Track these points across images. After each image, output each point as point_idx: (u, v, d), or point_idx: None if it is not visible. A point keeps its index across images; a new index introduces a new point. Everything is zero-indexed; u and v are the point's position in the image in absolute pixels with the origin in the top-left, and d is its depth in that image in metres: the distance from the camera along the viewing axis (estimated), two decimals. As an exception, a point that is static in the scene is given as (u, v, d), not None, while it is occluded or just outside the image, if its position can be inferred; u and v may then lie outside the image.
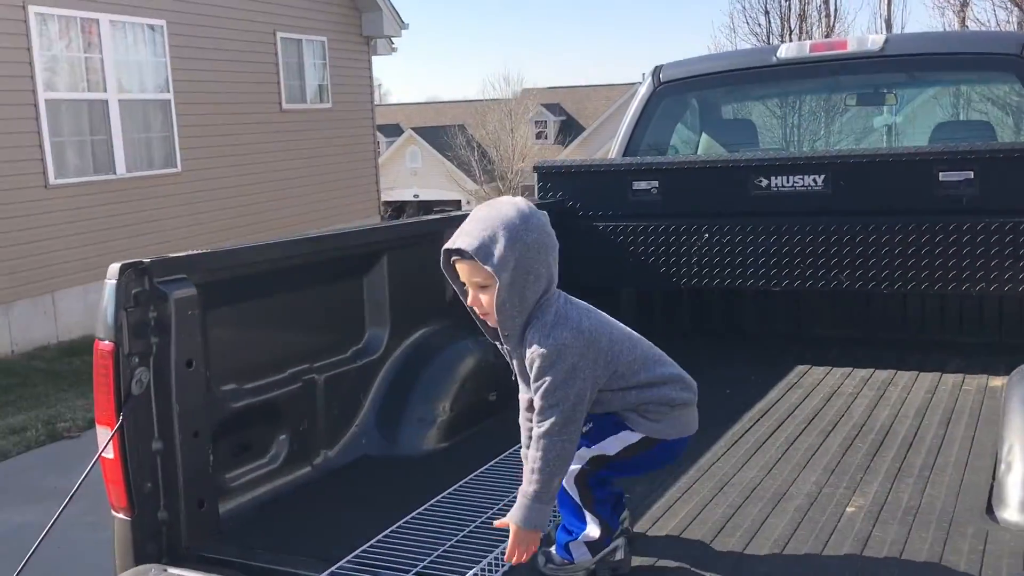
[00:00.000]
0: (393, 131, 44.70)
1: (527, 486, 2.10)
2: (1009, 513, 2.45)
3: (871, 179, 3.89)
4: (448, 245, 2.17)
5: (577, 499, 2.21)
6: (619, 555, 2.24)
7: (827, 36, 21.45)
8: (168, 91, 12.08)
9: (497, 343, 2.26)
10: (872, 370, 3.91)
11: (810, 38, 22.06)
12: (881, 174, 3.88)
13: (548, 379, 2.07)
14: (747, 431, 3.24)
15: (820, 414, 3.40)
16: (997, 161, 3.72)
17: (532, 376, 2.11)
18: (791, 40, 21.17)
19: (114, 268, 2.40)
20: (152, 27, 11.82)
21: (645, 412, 2.19)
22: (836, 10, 22.16)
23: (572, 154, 38.13)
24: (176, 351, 2.46)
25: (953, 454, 2.92)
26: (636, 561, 2.28)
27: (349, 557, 2.34)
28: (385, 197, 21.71)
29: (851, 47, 4.73)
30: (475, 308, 2.18)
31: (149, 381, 2.44)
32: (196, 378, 2.52)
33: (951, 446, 3.00)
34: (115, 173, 11.35)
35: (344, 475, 3.07)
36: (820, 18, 22.24)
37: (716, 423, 3.27)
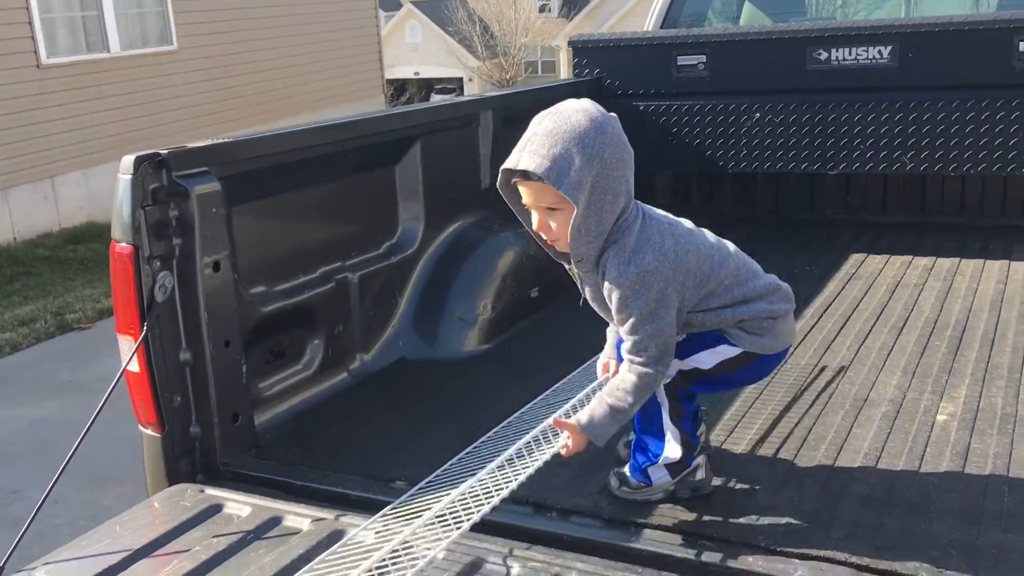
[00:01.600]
0: (392, 5, 43.19)
1: (608, 397, 1.90)
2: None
3: (943, 50, 3.57)
4: (510, 165, 1.84)
5: (664, 413, 2.00)
6: (700, 475, 2.04)
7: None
8: (160, -35, 11.45)
9: (565, 264, 2.00)
10: (934, 258, 3.67)
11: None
12: (954, 45, 3.55)
13: (635, 311, 1.83)
14: (811, 329, 3.02)
15: (887, 308, 3.17)
16: (1085, 30, 3.39)
17: (614, 307, 1.86)
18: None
19: (128, 161, 2.13)
20: None
21: (745, 327, 1.95)
22: None
23: (578, 28, 36.88)
24: (201, 252, 2.21)
25: (1052, 350, 2.70)
26: (716, 480, 2.09)
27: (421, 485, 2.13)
28: (386, 75, 21.03)
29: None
30: (542, 234, 1.89)
31: (174, 286, 2.20)
32: (224, 281, 2.28)
33: (1037, 344, 2.78)
34: (108, 51, 10.85)
35: (382, 380, 2.86)
36: None
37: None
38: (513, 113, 3.42)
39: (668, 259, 1.84)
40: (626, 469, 2.08)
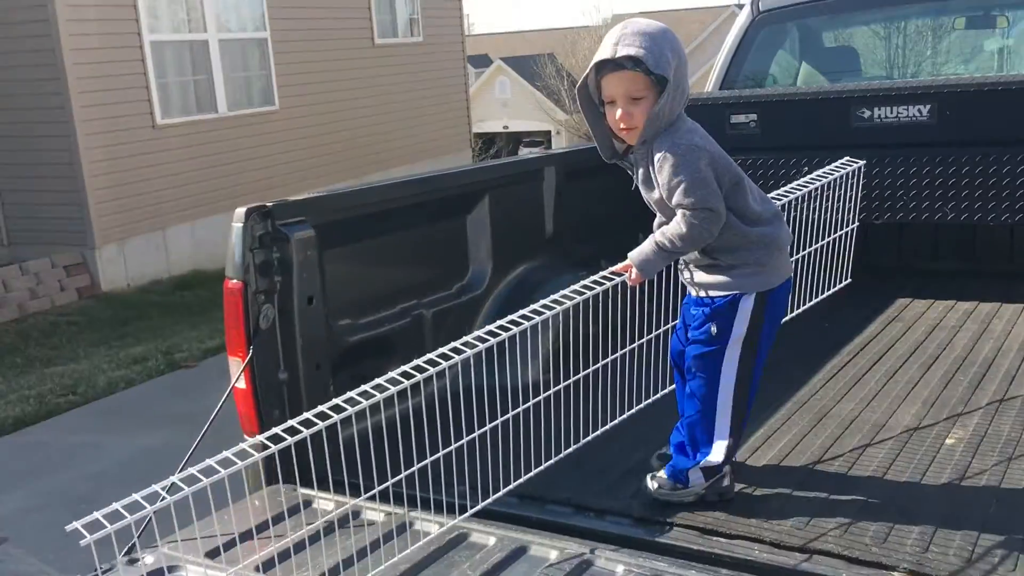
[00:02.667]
0: (481, 62, 44.44)
1: (657, 236, 2.25)
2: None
3: (979, 108, 3.80)
4: (606, 55, 2.22)
5: (728, 411, 2.33)
6: (726, 482, 2.34)
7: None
8: (265, 29, 12.32)
9: (616, 161, 2.41)
10: (976, 303, 3.87)
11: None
12: (990, 103, 3.78)
13: (686, 177, 2.18)
14: (845, 364, 3.27)
15: (921, 347, 3.40)
16: (1115, 87, 3.59)
17: (665, 178, 2.21)
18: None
19: (240, 212, 2.56)
20: (248, -34, 12.02)
21: (754, 258, 2.28)
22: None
23: (663, 81, 37.23)
24: (298, 288, 2.62)
25: (1059, 387, 2.91)
26: (738, 487, 2.38)
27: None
28: (475, 129, 21.77)
29: (960, -32, 4.56)
30: (623, 122, 2.25)
31: (275, 317, 2.61)
32: (316, 313, 2.69)
33: (1056, 380, 2.98)
34: (217, 112, 11.69)
35: (452, 405, 3.22)
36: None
37: (814, 356, 3.32)
38: (572, 169, 3.79)
39: (710, 143, 2.24)
40: (662, 473, 2.39)
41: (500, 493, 2.37)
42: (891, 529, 2.12)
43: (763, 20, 4.96)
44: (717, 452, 2.34)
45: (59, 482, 5.35)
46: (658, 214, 2.38)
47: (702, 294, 2.34)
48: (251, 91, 12.30)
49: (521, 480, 2.41)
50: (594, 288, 2.38)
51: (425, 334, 3.21)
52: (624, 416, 2.72)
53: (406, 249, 3.19)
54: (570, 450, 2.59)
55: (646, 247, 2.28)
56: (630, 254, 2.30)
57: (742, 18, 5.04)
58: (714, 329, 2.32)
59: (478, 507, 2.32)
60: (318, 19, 13.12)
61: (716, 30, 34.75)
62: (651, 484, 2.39)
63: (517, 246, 3.59)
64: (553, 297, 2.41)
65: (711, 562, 2.07)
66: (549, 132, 40.24)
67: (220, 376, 7.20)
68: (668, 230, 2.24)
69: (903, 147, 3.95)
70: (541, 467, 2.48)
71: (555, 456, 2.55)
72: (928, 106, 3.88)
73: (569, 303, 2.37)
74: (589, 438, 2.64)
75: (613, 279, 2.38)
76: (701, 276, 2.34)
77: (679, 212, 2.22)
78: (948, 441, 2.59)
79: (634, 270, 2.30)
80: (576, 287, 2.41)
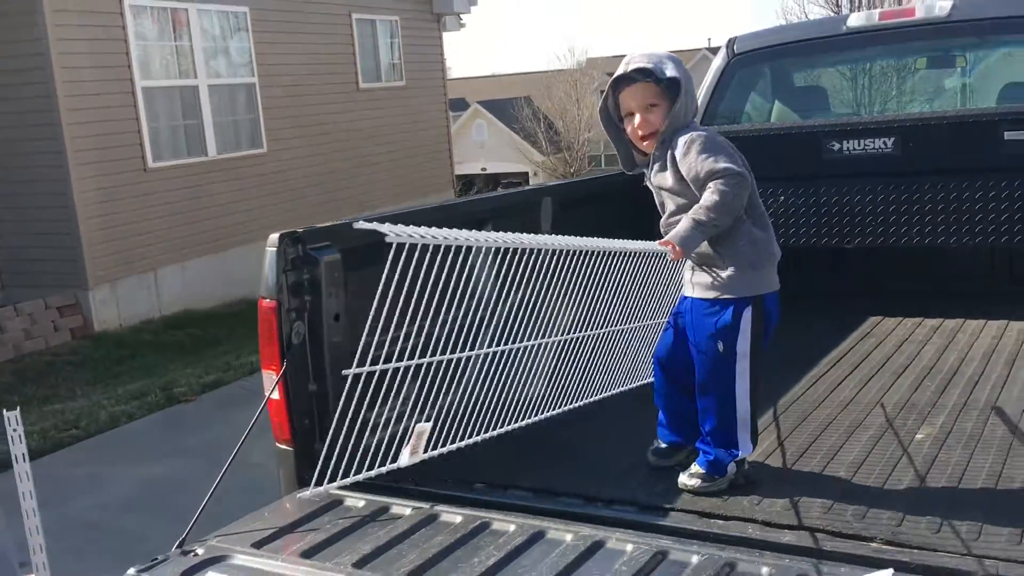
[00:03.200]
0: (459, 105, 44.99)
1: (695, 215, 2.48)
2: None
3: (939, 140, 4.14)
4: (621, 73, 2.62)
5: (748, 416, 2.61)
6: (746, 465, 2.66)
7: (898, 3, 21.10)
8: (252, 75, 12.63)
9: (636, 171, 2.77)
10: (942, 320, 4.18)
11: (881, 2, 21.72)
12: (949, 135, 4.12)
13: (711, 153, 2.49)
14: (823, 374, 3.56)
15: (891, 359, 3.70)
16: (1061, 119, 3.94)
17: (692, 157, 2.50)
18: (861, 5, 20.91)
19: (274, 238, 2.82)
20: (236, 14, 12.35)
21: (747, 259, 2.57)
22: (908, -32, 21.72)
23: (638, 122, 37.93)
24: (326, 307, 2.88)
25: (1016, 391, 3.20)
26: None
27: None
28: (455, 171, 22.13)
29: (919, 14, 4.92)
30: (640, 130, 2.62)
31: (305, 333, 2.86)
32: (343, 329, 2.94)
33: (1014, 384, 3.28)
34: (207, 155, 11.95)
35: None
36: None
37: (795, 369, 3.60)
38: (568, 200, 4.08)
39: (728, 141, 2.59)
40: (696, 467, 2.63)
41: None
42: (868, 508, 2.39)
43: (738, 62, 5.30)
44: (745, 446, 2.64)
45: (69, 511, 5.51)
46: (668, 211, 2.69)
47: (700, 295, 2.62)
48: (239, 134, 12.58)
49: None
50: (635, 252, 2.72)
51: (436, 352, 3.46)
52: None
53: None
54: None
55: (683, 225, 2.49)
56: (670, 235, 2.53)
57: (718, 60, 5.38)
58: (721, 347, 2.59)
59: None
60: (304, 64, 13.46)
61: (691, 69, 35.40)
62: (689, 482, 2.62)
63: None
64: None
65: (710, 540, 2.33)
66: (527, 173, 40.73)
67: (219, 409, 7.43)
68: (702, 204, 2.48)
69: (870, 176, 4.28)
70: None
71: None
72: (892, 139, 4.22)
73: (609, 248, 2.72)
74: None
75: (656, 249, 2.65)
76: (700, 276, 2.62)
77: (712, 183, 2.47)
78: (917, 436, 2.87)
79: (676, 246, 2.49)
80: (621, 244, 2.74)
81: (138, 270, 10.99)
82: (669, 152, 2.59)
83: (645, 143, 2.64)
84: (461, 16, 17.62)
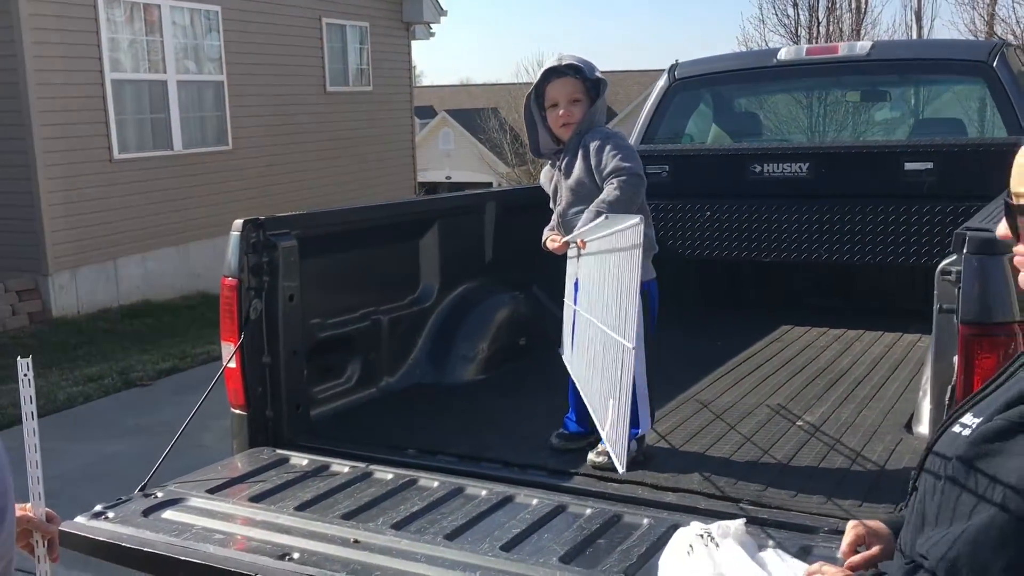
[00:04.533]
0: (427, 113, 45.31)
1: (597, 207, 2.82)
2: (922, 427, 3.15)
3: (847, 167, 4.58)
4: (554, 64, 3.02)
5: (646, 394, 2.94)
6: (644, 442, 3.01)
7: (855, 28, 21.86)
8: (222, 73, 12.88)
9: (541, 156, 3.16)
10: (844, 330, 4.61)
11: (840, 28, 22.45)
12: (856, 163, 4.56)
13: (622, 151, 2.90)
14: (729, 372, 3.96)
15: (792, 361, 4.11)
16: (953, 154, 4.39)
17: (604, 153, 2.90)
18: (819, 31, 21.61)
19: (238, 223, 3.16)
20: (208, 12, 12.61)
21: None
22: (865, 2, 22.51)
23: (602, 139, 38.48)
24: (282, 288, 3.22)
25: (892, 389, 3.63)
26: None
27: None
28: (419, 178, 22.44)
29: (842, 52, 5.39)
30: (563, 120, 2.99)
31: (262, 310, 3.20)
32: (295, 310, 3.28)
33: (892, 384, 3.70)
34: (172, 149, 12.17)
35: (402, 396, 3.83)
36: (849, 9, 22.62)
37: (704, 364, 4.00)
38: (511, 205, 4.46)
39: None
40: (600, 446, 2.94)
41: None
42: (740, 478, 2.78)
43: (678, 86, 5.72)
44: (644, 422, 2.98)
45: (28, 480, 5.75)
46: (565, 202, 3.03)
47: None
48: (206, 131, 12.82)
49: None
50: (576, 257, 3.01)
51: (381, 336, 3.82)
52: None
53: (368, 264, 3.81)
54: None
55: (586, 218, 2.84)
56: (578, 226, 2.87)
57: (660, 83, 5.80)
58: None
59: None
60: (273, 65, 13.73)
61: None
62: (597, 459, 2.94)
63: (460, 268, 4.23)
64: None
65: (605, 498, 2.70)
66: (491, 184, 41.09)
67: (175, 393, 7.71)
68: (604, 199, 2.82)
69: (787, 197, 4.71)
70: None
71: None
72: (807, 164, 4.65)
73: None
74: None
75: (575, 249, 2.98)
76: None
77: (614, 179, 2.83)
78: (798, 423, 3.28)
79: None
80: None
81: (99, 259, 11.18)
82: (582, 145, 2.97)
83: (563, 131, 3.02)
84: (431, 25, 17.98)
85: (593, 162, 2.94)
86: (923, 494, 1.57)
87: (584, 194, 2.97)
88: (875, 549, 1.71)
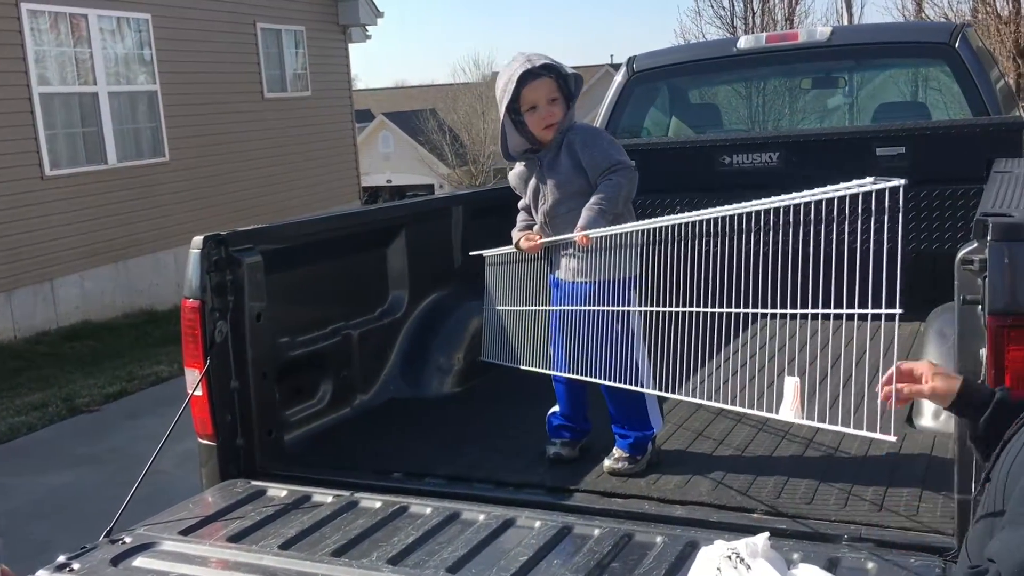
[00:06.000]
0: (364, 116, 44.79)
1: (597, 204, 2.77)
2: (924, 420, 3.06)
3: (818, 155, 4.49)
4: (528, 67, 2.86)
5: (650, 397, 2.83)
6: (657, 442, 2.92)
7: (788, 18, 22.10)
8: (155, 83, 12.48)
9: (513, 159, 3.02)
10: (823, 320, 4.52)
11: (773, 19, 22.69)
12: (826, 151, 4.47)
13: (609, 147, 2.86)
14: (717, 368, 3.83)
15: (776, 355, 3.99)
16: (925, 137, 4.33)
17: (596, 148, 2.85)
18: (754, 21, 21.81)
19: (198, 240, 2.94)
20: (138, 21, 12.19)
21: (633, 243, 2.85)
22: (798, -8, 22.75)
23: (542, 136, 38.51)
24: (248, 307, 3.00)
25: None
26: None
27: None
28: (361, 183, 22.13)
29: (802, 38, 5.31)
30: (545, 120, 2.89)
31: (227, 332, 2.98)
32: (263, 329, 3.06)
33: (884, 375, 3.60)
34: (106, 163, 11.74)
35: (376, 413, 3.63)
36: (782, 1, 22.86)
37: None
38: (478, 208, 4.28)
39: None
40: (618, 451, 2.84)
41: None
42: (751, 485, 2.65)
43: (637, 79, 5.60)
44: (657, 422, 2.89)
45: (-30, 521, 5.42)
46: (551, 201, 2.92)
47: (587, 279, 2.86)
48: (141, 143, 12.40)
49: None
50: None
51: (353, 351, 3.62)
52: None
53: (336, 276, 3.60)
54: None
55: (587, 216, 2.78)
56: (580, 223, 2.78)
57: (619, 77, 5.67)
58: (620, 328, 2.81)
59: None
60: (208, 73, 13.35)
61: (592, 87, 36.25)
62: (616, 465, 2.82)
63: (430, 276, 4.04)
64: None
65: (611, 516, 2.54)
66: (432, 186, 40.83)
67: (126, 418, 7.34)
68: (602, 195, 2.78)
69: (757, 188, 4.59)
70: None
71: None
72: (777, 153, 4.55)
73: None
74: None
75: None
76: (584, 262, 2.86)
77: (612, 174, 2.79)
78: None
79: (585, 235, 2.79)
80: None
81: (34, 280, 10.72)
82: (564, 143, 2.88)
83: (546, 133, 2.91)
84: (367, 28, 17.70)
85: (584, 159, 2.85)
86: (996, 488, 1.45)
87: (572, 191, 2.88)
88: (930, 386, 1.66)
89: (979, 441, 1.69)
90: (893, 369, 1.66)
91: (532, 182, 2.99)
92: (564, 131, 2.89)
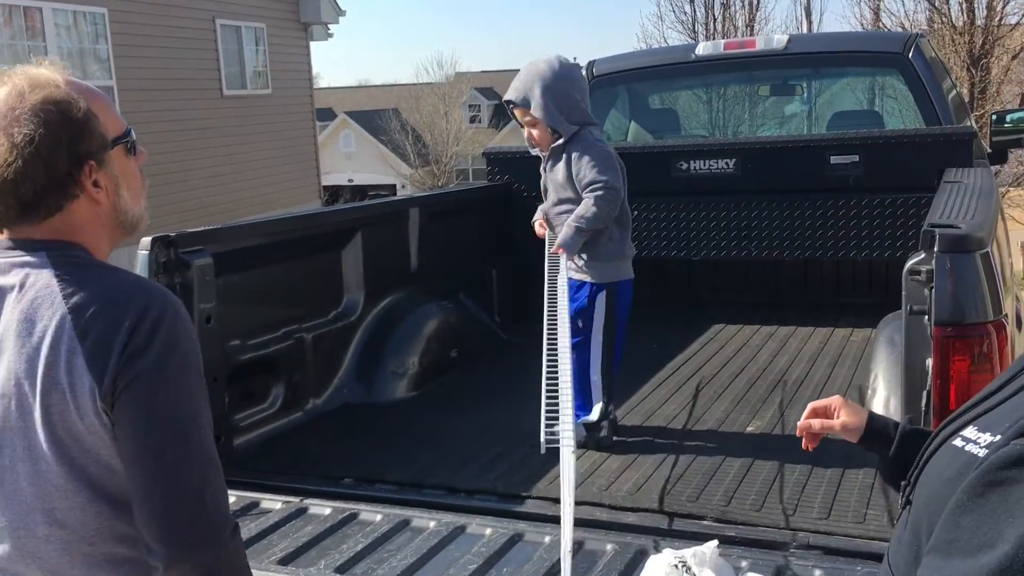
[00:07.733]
0: (326, 115, 44.51)
1: (576, 222, 2.98)
2: (873, 428, 3.09)
3: (774, 162, 4.52)
4: (507, 98, 3.16)
5: (600, 384, 3.05)
6: (603, 433, 3.05)
7: (748, 25, 22.29)
8: (111, 78, 12.29)
9: (541, 157, 3.26)
10: (777, 327, 4.56)
11: (734, 25, 22.87)
12: (782, 158, 4.51)
13: (600, 163, 3.05)
14: (668, 376, 3.85)
15: (731, 361, 4.03)
16: (878, 146, 4.38)
17: (583, 165, 3.01)
18: (715, 27, 21.98)
19: (146, 241, 2.88)
20: (94, 15, 12.01)
21: (608, 253, 3.09)
22: (758, -1, 22.95)
23: (505, 137, 38.61)
24: (198, 310, 2.95)
25: (835, 388, 3.57)
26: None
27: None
28: (322, 182, 21.96)
29: (759, 45, 5.35)
30: (529, 141, 3.20)
31: (176, 335, 2.92)
32: (214, 333, 3.02)
33: (834, 382, 3.65)
34: (60, 160, 11.53)
35: (330, 418, 3.59)
36: (743, 6, 23.05)
37: (642, 370, 3.88)
38: (436, 211, 4.26)
39: (617, 156, 3.17)
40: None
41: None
42: (701, 491, 2.66)
43: (597, 83, 5.61)
44: (594, 413, 3.05)
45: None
46: (551, 200, 3.19)
47: (570, 277, 3.03)
48: (96, 139, 12.20)
49: None
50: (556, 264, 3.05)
51: (305, 355, 3.57)
52: None
53: (289, 278, 3.56)
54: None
55: (566, 232, 3.01)
56: (558, 240, 3.03)
57: (579, 81, 5.68)
58: (580, 323, 3.03)
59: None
60: (165, 69, 13.17)
61: (554, 90, 36.18)
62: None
63: (386, 279, 4.01)
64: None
65: (554, 520, 2.53)
66: (394, 186, 40.69)
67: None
68: (582, 213, 2.97)
69: (714, 194, 4.63)
70: None
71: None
72: (733, 160, 4.58)
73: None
74: None
75: (557, 256, 3.07)
76: (572, 262, 3.05)
77: (590, 192, 2.96)
78: (748, 428, 3.17)
79: (563, 249, 3.05)
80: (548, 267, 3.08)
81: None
82: (566, 152, 3.08)
83: (538, 149, 3.19)
84: (328, 26, 17.57)
85: (573, 171, 3.08)
86: (918, 512, 1.45)
87: (566, 197, 3.15)
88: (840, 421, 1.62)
89: (891, 481, 1.69)
90: (809, 407, 1.67)
91: (542, 178, 3.30)
92: (566, 141, 3.10)
